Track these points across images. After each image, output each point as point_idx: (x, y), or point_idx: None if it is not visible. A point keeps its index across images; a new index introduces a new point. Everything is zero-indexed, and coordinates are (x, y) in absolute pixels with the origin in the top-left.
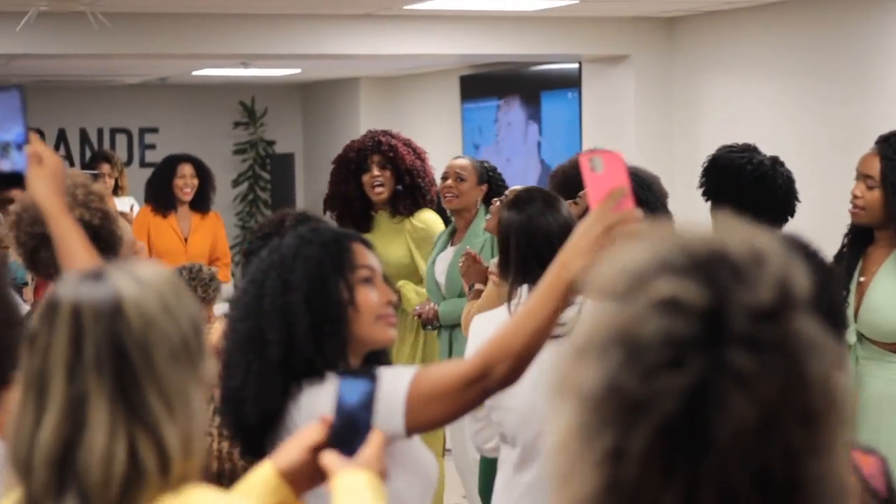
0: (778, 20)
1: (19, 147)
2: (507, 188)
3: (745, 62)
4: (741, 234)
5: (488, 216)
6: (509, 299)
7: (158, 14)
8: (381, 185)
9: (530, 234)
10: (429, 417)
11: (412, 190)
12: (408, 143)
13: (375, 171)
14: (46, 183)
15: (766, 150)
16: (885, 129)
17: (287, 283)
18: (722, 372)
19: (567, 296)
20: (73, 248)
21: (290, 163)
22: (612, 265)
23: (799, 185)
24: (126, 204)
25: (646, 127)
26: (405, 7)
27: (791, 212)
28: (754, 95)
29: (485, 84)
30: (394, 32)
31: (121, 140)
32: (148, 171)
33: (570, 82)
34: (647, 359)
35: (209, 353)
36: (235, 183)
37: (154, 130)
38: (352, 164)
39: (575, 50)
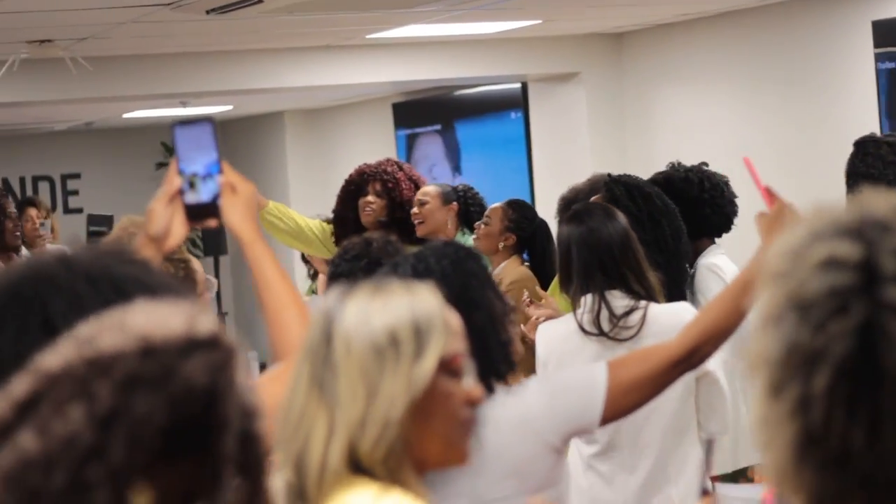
0: (726, 31)
1: (206, 178)
2: (484, 208)
3: (695, 74)
4: (878, 199)
5: (467, 236)
6: (574, 309)
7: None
8: (371, 210)
9: (592, 245)
10: (625, 405)
11: (402, 223)
12: (412, 178)
13: (370, 197)
14: (240, 210)
15: (720, 158)
16: (837, 133)
17: None
18: (881, 308)
19: None
20: (268, 272)
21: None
22: (774, 252)
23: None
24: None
25: (600, 142)
26: (367, 36)
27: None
28: (706, 106)
29: (419, 110)
30: (332, 62)
31: (43, 187)
32: (72, 218)
33: (513, 103)
34: (816, 313)
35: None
36: None
37: (76, 176)
38: (353, 185)
39: (521, 70)
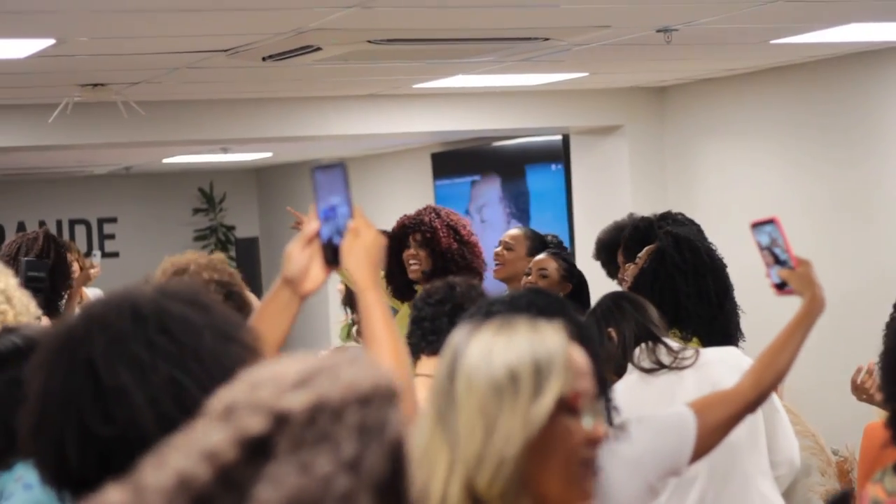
0: (769, 87)
1: (340, 221)
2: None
3: (738, 128)
4: None
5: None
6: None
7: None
8: (417, 263)
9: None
10: (709, 445)
11: (444, 273)
12: (450, 225)
13: (412, 250)
14: (358, 255)
15: (760, 213)
16: (881, 189)
17: None
18: None
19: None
20: (375, 323)
21: (254, 246)
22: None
23: (798, 246)
24: (95, 293)
25: (641, 195)
26: (414, 86)
27: None
28: (748, 161)
29: (458, 161)
30: (374, 112)
31: (80, 231)
32: (108, 262)
33: (553, 155)
34: None
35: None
36: None
37: (113, 220)
38: (396, 239)
39: (563, 122)
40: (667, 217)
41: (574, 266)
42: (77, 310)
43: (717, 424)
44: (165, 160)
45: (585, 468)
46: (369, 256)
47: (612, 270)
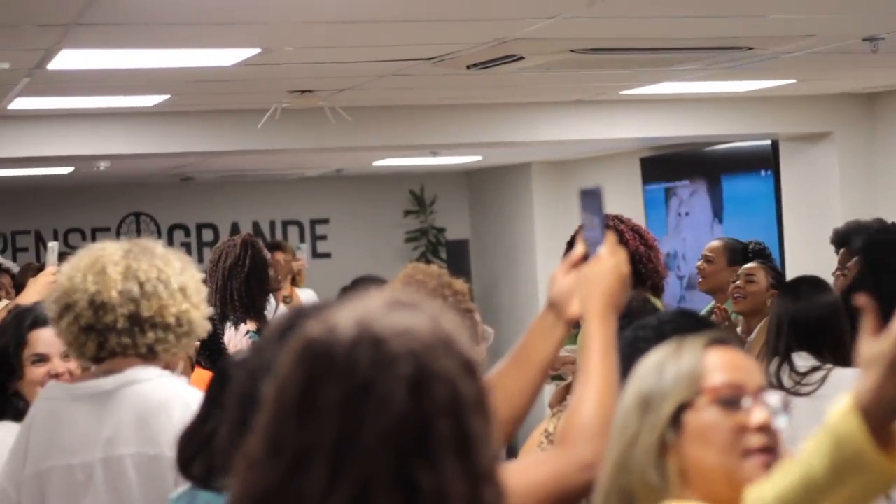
0: None
1: (597, 246)
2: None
3: None
4: None
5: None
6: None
7: (375, 107)
8: None
9: (792, 316)
10: None
11: (633, 275)
12: (635, 229)
13: None
14: (592, 283)
15: None
16: None
17: None
18: None
19: None
20: (592, 353)
21: (464, 249)
22: None
23: None
24: (308, 295)
25: (851, 203)
26: (621, 92)
27: None
28: None
29: (667, 165)
30: (581, 117)
31: (293, 231)
32: (320, 262)
33: (762, 161)
34: None
35: None
36: None
37: (325, 221)
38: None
39: (772, 128)
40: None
41: (780, 273)
42: (284, 308)
43: None
44: (376, 163)
45: (752, 456)
46: (603, 284)
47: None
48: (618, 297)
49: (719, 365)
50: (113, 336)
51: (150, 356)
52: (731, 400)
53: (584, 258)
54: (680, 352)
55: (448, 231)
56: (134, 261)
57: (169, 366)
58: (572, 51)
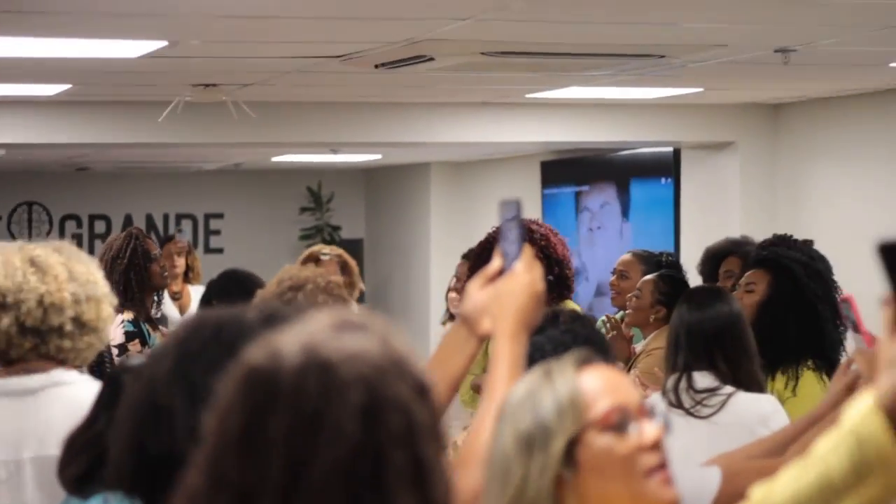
0: (885, 107)
1: (514, 261)
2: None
3: (851, 148)
4: None
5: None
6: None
7: (278, 103)
8: None
9: (690, 327)
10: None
11: (560, 280)
12: (555, 233)
13: None
14: (505, 299)
15: (870, 235)
16: None
17: None
18: None
19: None
20: (497, 373)
21: (359, 249)
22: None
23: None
24: (199, 292)
25: (750, 212)
26: (526, 96)
27: None
28: (860, 181)
29: (567, 170)
30: (485, 119)
31: (186, 226)
32: (213, 257)
33: (663, 168)
34: None
35: None
36: None
37: (220, 216)
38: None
39: (676, 137)
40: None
41: (678, 291)
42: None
43: (741, 494)
44: (274, 158)
45: (653, 474)
46: (517, 302)
47: (712, 283)
48: (530, 315)
49: (598, 389)
50: (54, 339)
51: (62, 360)
52: (619, 424)
53: (500, 272)
54: (551, 380)
55: (343, 230)
56: (68, 261)
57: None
58: (483, 53)
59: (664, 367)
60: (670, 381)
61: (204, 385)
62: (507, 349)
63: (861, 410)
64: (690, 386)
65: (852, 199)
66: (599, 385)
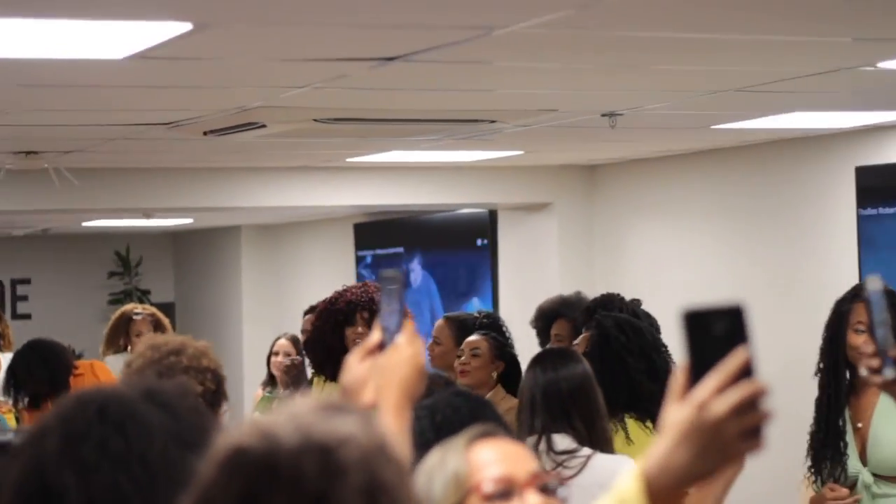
0: (701, 168)
1: (395, 335)
2: (504, 341)
3: (669, 207)
4: None
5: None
6: None
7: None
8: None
9: (546, 389)
10: None
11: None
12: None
13: (360, 329)
14: (388, 374)
15: (689, 295)
16: (812, 276)
17: None
18: None
19: None
20: None
21: (171, 312)
22: None
23: None
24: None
25: (569, 273)
26: (347, 160)
27: None
28: (677, 241)
29: (381, 232)
30: (299, 183)
31: None
32: (21, 323)
33: (479, 230)
34: None
35: None
36: None
37: (27, 282)
38: (340, 314)
39: (493, 198)
40: (612, 301)
41: (506, 343)
42: None
43: None
44: (84, 223)
45: None
46: (400, 375)
47: (544, 340)
48: (414, 388)
49: (485, 460)
50: None
51: None
52: (501, 493)
53: (381, 346)
54: (445, 455)
55: (153, 294)
56: None
57: None
58: (316, 120)
59: (517, 429)
60: (529, 444)
61: (96, 465)
62: (392, 422)
63: (629, 473)
64: (550, 448)
65: (673, 257)
66: (487, 456)
